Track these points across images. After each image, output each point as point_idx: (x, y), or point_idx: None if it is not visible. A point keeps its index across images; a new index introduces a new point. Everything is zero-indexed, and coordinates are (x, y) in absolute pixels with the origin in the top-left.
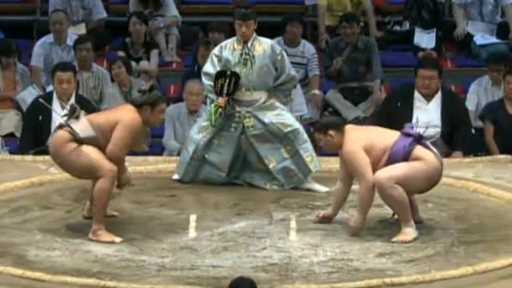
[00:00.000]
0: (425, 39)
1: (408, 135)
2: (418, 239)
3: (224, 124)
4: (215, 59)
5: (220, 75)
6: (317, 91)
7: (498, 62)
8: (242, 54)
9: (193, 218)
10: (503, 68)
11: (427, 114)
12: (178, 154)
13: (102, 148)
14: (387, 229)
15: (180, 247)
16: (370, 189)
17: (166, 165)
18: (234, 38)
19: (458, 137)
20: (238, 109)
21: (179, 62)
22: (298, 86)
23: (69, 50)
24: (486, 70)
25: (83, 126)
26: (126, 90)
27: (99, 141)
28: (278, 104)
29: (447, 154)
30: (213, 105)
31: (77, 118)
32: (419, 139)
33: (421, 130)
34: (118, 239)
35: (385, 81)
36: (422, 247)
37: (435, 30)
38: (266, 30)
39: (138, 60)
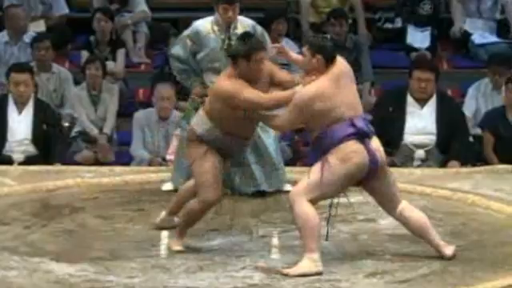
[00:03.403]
0: (418, 38)
1: (353, 125)
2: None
3: None
4: (188, 42)
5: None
6: None
7: (501, 64)
8: (223, 40)
9: (164, 234)
10: (506, 71)
11: (421, 120)
12: (149, 164)
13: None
14: (379, 246)
15: (151, 266)
16: (275, 128)
17: (134, 176)
18: (211, 20)
19: (454, 145)
20: None
21: (148, 62)
22: None
23: (26, 49)
24: (485, 71)
25: (199, 118)
26: (95, 94)
27: (223, 130)
28: None
29: (443, 164)
30: (190, 100)
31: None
32: (360, 135)
33: (368, 128)
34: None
35: (375, 83)
36: (416, 266)
37: (430, 27)
38: None
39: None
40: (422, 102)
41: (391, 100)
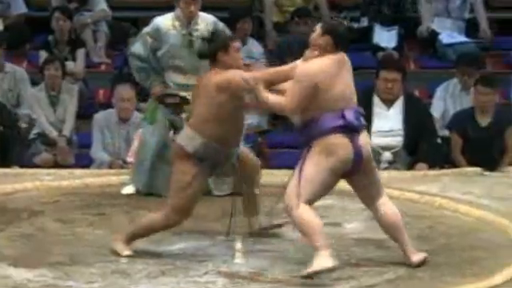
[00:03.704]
0: (385, 37)
1: (343, 117)
2: (336, 268)
3: (172, 117)
4: (149, 39)
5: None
6: None
7: (469, 65)
8: (184, 35)
9: None
10: (475, 72)
11: (388, 122)
12: (110, 167)
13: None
14: (345, 250)
15: (111, 271)
16: (282, 110)
17: (94, 179)
18: (171, 16)
19: (422, 147)
20: (183, 94)
21: (109, 62)
22: None
23: None
24: (453, 72)
25: (186, 135)
26: (54, 95)
27: (215, 140)
28: None
29: (410, 166)
30: (150, 100)
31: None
32: (349, 128)
33: (358, 122)
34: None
35: None
36: (382, 271)
37: (396, 27)
38: None
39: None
40: (388, 102)
41: (357, 101)
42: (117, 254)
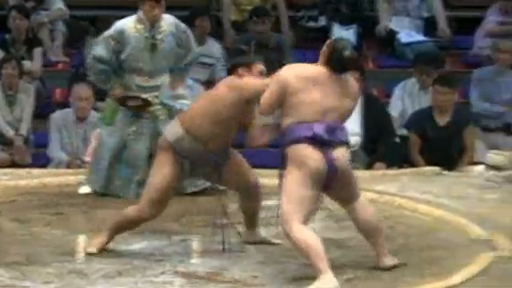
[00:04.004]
0: (343, 36)
1: (311, 129)
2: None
3: (132, 120)
4: (111, 42)
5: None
6: None
7: (427, 64)
8: (147, 38)
9: (82, 238)
10: (433, 71)
11: (346, 121)
12: (67, 167)
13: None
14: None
15: (68, 271)
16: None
17: (51, 178)
18: (134, 19)
19: (380, 147)
20: (144, 96)
21: (66, 61)
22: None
23: None
24: (411, 71)
25: (173, 126)
26: (11, 94)
27: (199, 138)
28: (185, 93)
29: (369, 166)
30: (108, 100)
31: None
32: (317, 141)
33: (330, 136)
34: None
35: None
36: (341, 271)
37: (355, 26)
38: None
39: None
40: None
41: None
42: (75, 253)
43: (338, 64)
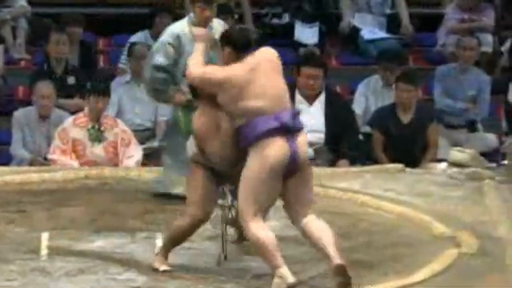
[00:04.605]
0: (306, 34)
1: (277, 119)
2: (297, 284)
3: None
4: (170, 49)
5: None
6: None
7: (391, 61)
8: None
9: (45, 236)
10: (396, 68)
11: (310, 118)
12: (30, 164)
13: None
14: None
15: (30, 269)
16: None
17: (13, 176)
18: (186, 22)
19: (343, 144)
20: None
21: (29, 59)
22: None
23: None
24: (375, 68)
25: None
26: None
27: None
28: None
29: (332, 163)
30: (174, 112)
31: None
32: (285, 130)
33: (295, 123)
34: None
35: None
36: (303, 268)
37: (318, 23)
38: (130, 23)
39: None
40: (310, 99)
41: None
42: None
43: (244, 39)
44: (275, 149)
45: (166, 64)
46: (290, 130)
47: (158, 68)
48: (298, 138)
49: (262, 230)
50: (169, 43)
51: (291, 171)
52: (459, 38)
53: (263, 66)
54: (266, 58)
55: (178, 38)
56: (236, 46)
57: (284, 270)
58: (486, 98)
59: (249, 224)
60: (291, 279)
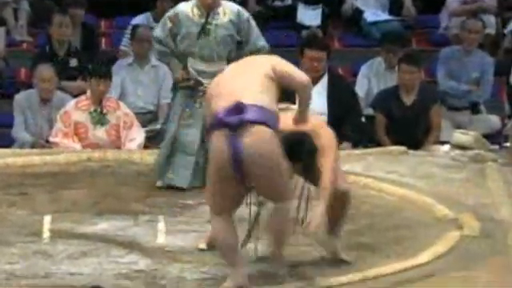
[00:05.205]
0: (309, 16)
1: (216, 116)
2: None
3: (187, 101)
4: (168, 23)
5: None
6: None
7: (393, 43)
8: (200, 23)
9: (47, 218)
10: (399, 50)
11: (312, 100)
12: (33, 147)
13: None
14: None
15: (32, 252)
16: None
17: (15, 158)
18: (192, 3)
19: (346, 126)
20: (200, 79)
21: (31, 41)
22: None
23: None
24: (377, 50)
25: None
26: None
27: None
28: None
29: None
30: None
31: None
32: (223, 125)
33: (231, 118)
34: None
35: None
36: (306, 251)
37: (321, 5)
38: (131, 5)
39: None
40: (312, 81)
41: None
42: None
43: None
44: (213, 149)
45: (163, 37)
46: (227, 126)
47: (155, 39)
48: (244, 134)
49: (223, 232)
50: (168, 17)
51: (237, 173)
52: (464, 20)
53: (245, 63)
54: (249, 61)
55: (177, 15)
56: None
57: (238, 271)
58: (490, 80)
59: (212, 221)
60: (242, 280)
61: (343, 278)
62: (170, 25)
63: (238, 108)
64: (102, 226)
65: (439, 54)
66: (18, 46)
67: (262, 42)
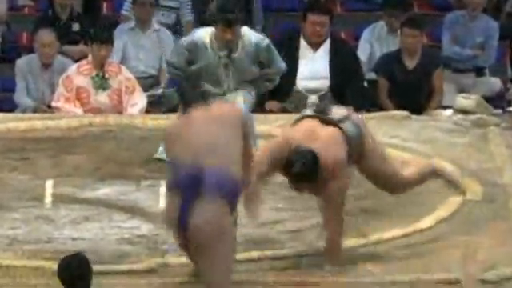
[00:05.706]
0: None
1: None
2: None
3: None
4: (185, 52)
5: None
6: None
7: (395, 7)
8: (220, 58)
9: (49, 183)
10: (401, 14)
11: (314, 64)
12: (35, 112)
13: None
14: (271, 200)
15: (35, 217)
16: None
17: (17, 123)
18: (211, 32)
19: (348, 90)
20: None
21: (32, 5)
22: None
23: None
24: (380, 14)
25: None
26: None
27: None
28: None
29: None
30: None
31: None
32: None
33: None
34: None
35: (266, 28)
36: (307, 215)
37: None
38: None
39: None
40: (315, 45)
41: (283, 44)
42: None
43: (190, 97)
44: (167, 202)
45: (177, 64)
46: (182, 190)
47: (170, 64)
48: (196, 209)
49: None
50: (184, 47)
51: (188, 237)
52: None
53: (204, 116)
54: (215, 112)
55: (195, 45)
56: (185, 103)
57: None
58: (494, 45)
59: None
60: None
61: (347, 242)
62: (186, 53)
63: (198, 178)
64: (104, 190)
65: (444, 19)
66: (20, 10)
67: (279, 64)
